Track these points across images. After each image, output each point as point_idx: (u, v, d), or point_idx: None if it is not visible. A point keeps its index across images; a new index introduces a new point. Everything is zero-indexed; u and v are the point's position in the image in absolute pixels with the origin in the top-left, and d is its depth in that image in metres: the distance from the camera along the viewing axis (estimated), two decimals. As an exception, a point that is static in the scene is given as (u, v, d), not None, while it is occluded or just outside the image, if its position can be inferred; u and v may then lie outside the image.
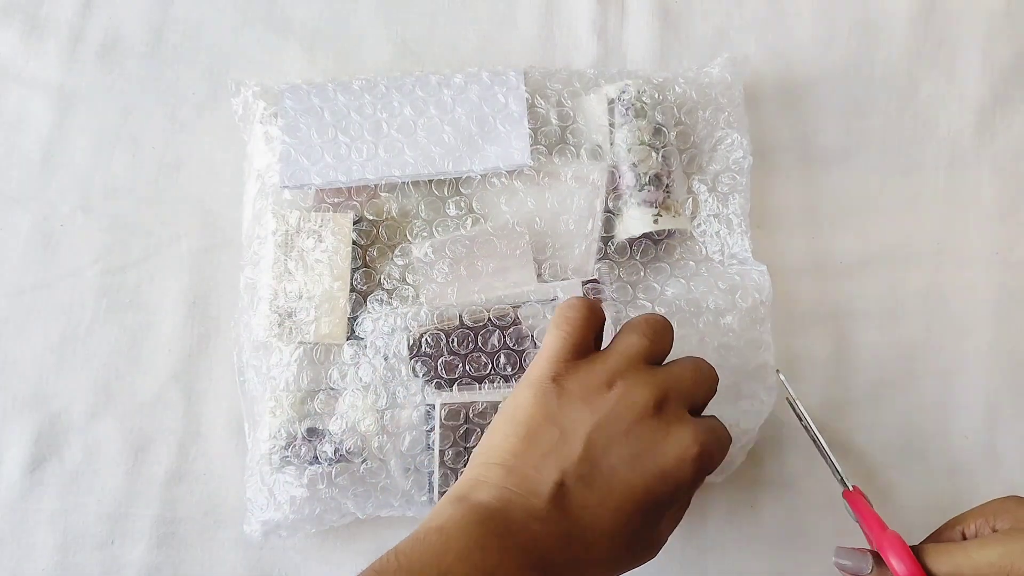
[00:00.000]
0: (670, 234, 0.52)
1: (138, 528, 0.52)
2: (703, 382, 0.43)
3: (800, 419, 0.47)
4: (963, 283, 0.56)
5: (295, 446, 0.48)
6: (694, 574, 0.52)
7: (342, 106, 0.52)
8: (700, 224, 0.53)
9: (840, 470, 0.45)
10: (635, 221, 0.51)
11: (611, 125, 0.52)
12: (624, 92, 0.52)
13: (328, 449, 0.48)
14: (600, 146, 0.52)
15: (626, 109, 0.52)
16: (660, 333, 0.43)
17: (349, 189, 0.51)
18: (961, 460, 0.54)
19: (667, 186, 0.51)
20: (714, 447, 0.40)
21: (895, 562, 0.40)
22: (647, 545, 0.41)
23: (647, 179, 0.51)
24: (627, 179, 0.51)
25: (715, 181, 0.53)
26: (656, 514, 0.39)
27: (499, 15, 0.60)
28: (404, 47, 0.60)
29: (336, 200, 0.51)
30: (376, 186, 0.51)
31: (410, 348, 0.49)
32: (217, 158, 0.58)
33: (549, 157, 0.52)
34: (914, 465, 0.54)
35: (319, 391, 0.49)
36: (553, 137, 0.52)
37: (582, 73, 0.55)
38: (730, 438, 0.43)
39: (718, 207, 0.53)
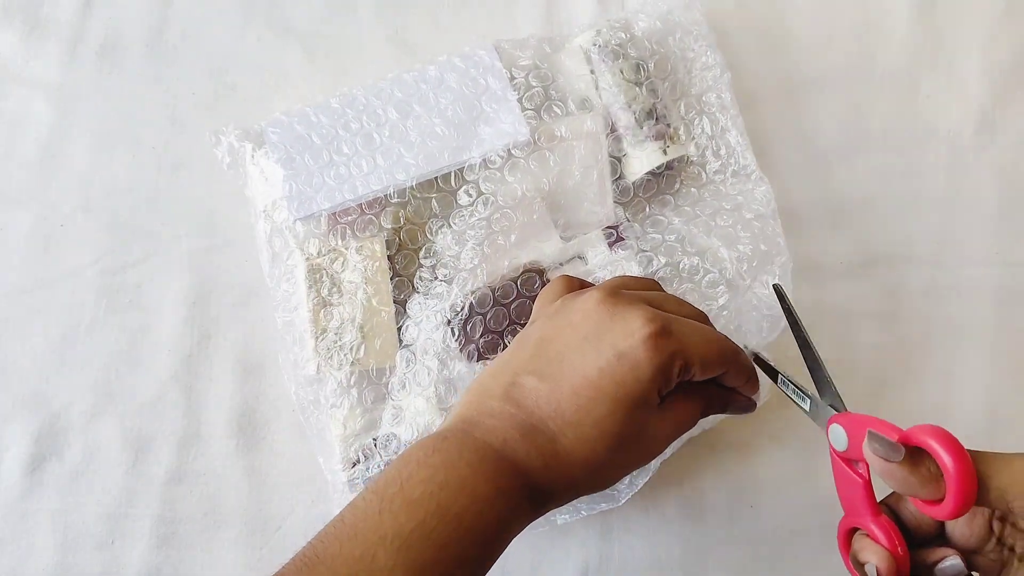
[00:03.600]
0: (669, 166, 0.53)
1: (138, 528, 0.52)
2: (679, 304, 0.41)
3: (798, 329, 0.43)
4: (963, 283, 0.56)
5: (369, 460, 0.48)
6: (695, 573, 0.52)
7: (327, 127, 0.52)
8: (694, 146, 0.54)
9: (838, 390, 0.41)
10: (643, 159, 0.52)
11: (592, 73, 0.53)
12: (596, 38, 0.53)
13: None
14: (587, 97, 0.53)
15: (602, 54, 0.52)
16: (642, 280, 0.43)
17: (361, 205, 0.51)
18: (961, 460, 0.54)
19: (661, 116, 0.52)
20: (674, 327, 0.37)
21: (944, 456, 0.34)
22: (628, 439, 0.37)
23: (643, 115, 0.51)
24: (623, 120, 0.52)
25: (700, 102, 0.54)
26: (624, 401, 0.37)
27: (499, 15, 0.60)
28: (404, 47, 0.60)
29: (350, 218, 0.51)
30: (386, 196, 0.51)
31: (446, 324, 0.49)
32: (217, 158, 0.58)
33: (541, 120, 0.52)
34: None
35: (383, 405, 0.49)
36: (539, 99, 0.52)
37: (550, 38, 0.55)
38: (712, 332, 0.40)
39: (710, 126, 0.53)
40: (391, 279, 0.51)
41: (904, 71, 0.60)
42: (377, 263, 0.50)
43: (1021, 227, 0.57)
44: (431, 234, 0.51)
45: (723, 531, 0.52)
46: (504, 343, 0.50)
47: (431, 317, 0.50)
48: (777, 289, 0.45)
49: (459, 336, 0.49)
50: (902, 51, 0.60)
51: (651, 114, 0.52)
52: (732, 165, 0.53)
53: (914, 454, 0.36)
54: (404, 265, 0.51)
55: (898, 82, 0.59)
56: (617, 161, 0.52)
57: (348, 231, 0.51)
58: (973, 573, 0.39)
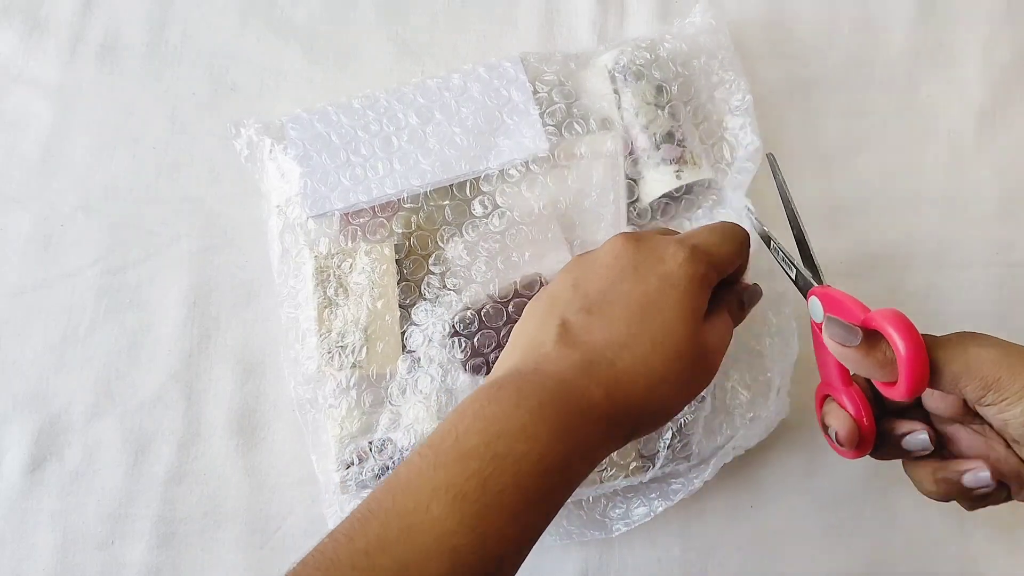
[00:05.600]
0: (688, 189, 0.52)
1: (138, 528, 0.52)
2: (717, 230, 0.43)
3: (789, 206, 0.46)
4: (963, 283, 0.56)
5: (363, 463, 0.48)
6: (695, 573, 0.52)
7: (347, 127, 0.52)
8: (712, 171, 0.53)
9: (819, 266, 0.43)
10: (658, 181, 0.51)
11: (615, 93, 0.52)
12: (619, 59, 0.52)
13: (398, 461, 0.49)
14: (609, 117, 0.52)
15: (624, 75, 0.52)
16: (662, 228, 0.46)
17: (373, 207, 0.51)
18: (961, 460, 0.54)
19: (680, 140, 0.52)
20: (696, 241, 0.41)
21: (898, 341, 0.35)
22: (684, 353, 0.38)
23: (660, 138, 0.51)
24: (641, 142, 0.51)
25: (721, 127, 0.53)
26: (676, 317, 0.38)
27: (499, 15, 0.60)
28: (404, 47, 0.60)
29: (362, 220, 0.51)
30: (399, 200, 0.51)
31: (453, 335, 0.49)
32: (217, 158, 0.58)
33: (561, 137, 0.52)
34: (914, 465, 0.54)
35: (381, 409, 0.49)
36: (560, 116, 0.52)
37: (576, 55, 0.54)
38: (722, 229, 0.43)
39: (729, 152, 0.53)
40: (398, 284, 0.50)
41: (904, 71, 0.60)
42: (385, 267, 0.50)
43: (1021, 227, 0.57)
44: (442, 241, 0.51)
45: (723, 531, 0.52)
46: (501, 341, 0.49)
47: (437, 325, 0.49)
48: (770, 159, 0.47)
49: (466, 348, 0.49)
50: (902, 51, 0.60)
51: (670, 137, 0.51)
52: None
53: (871, 338, 0.37)
54: (412, 271, 0.51)
55: (898, 82, 0.59)
56: (634, 183, 0.52)
57: (359, 233, 0.51)
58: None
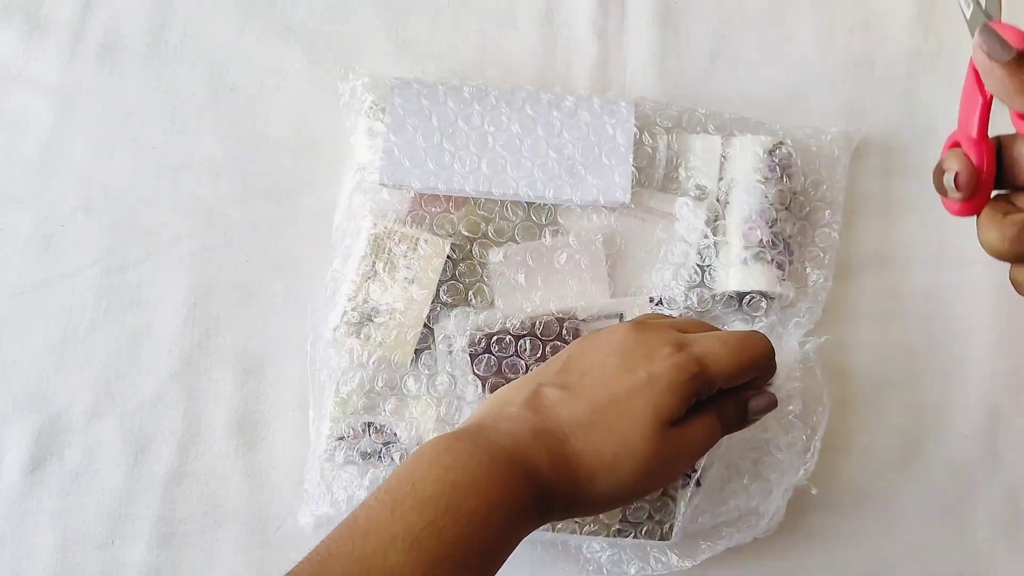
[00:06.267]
0: (766, 296, 0.52)
1: (138, 528, 0.52)
2: (702, 325, 0.44)
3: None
4: (963, 283, 0.56)
5: (358, 441, 0.49)
6: (694, 574, 0.52)
7: (450, 112, 0.52)
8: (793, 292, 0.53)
9: (1001, 8, 0.38)
10: (748, 276, 0.51)
11: (723, 167, 0.53)
12: (778, 148, 0.52)
13: (395, 455, 0.49)
14: (703, 185, 0.53)
15: (775, 166, 0.52)
16: (669, 317, 0.45)
17: (448, 199, 0.51)
18: (961, 460, 0.54)
19: (781, 251, 0.52)
20: (696, 347, 0.40)
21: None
22: (640, 453, 0.38)
23: (778, 238, 0.51)
24: (754, 235, 0.51)
25: (804, 256, 0.54)
26: (638, 411, 0.38)
27: (499, 15, 0.60)
28: (404, 47, 0.60)
29: (434, 209, 0.51)
30: (474, 201, 0.51)
31: (472, 347, 0.49)
32: (217, 158, 0.58)
33: (650, 191, 0.52)
34: (914, 465, 0.54)
35: (390, 394, 0.50)
36: (655, 172, 0.53)
37: (692, 111, 0.55)
38: (736, 342, 0.41)
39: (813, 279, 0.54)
40: (447, 280, 0.51)
41: (904, 71, 0.60)
42: (437, 260, 0.50)
43: (1021, 227, 0.57)
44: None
45: (723, 531, 0.52)
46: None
47: (468, 333, 0.49)
48: None
49: (493, 367, 0.49)
50: (902, 51, 0.60)
51: (786, 241, 0.52)
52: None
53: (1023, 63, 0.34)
54: (464, 272, 0.51)
55: (898, 82, 0.59)
56: (715, 265, 0.52)
57: (427, 220, 0.51)
58: None
